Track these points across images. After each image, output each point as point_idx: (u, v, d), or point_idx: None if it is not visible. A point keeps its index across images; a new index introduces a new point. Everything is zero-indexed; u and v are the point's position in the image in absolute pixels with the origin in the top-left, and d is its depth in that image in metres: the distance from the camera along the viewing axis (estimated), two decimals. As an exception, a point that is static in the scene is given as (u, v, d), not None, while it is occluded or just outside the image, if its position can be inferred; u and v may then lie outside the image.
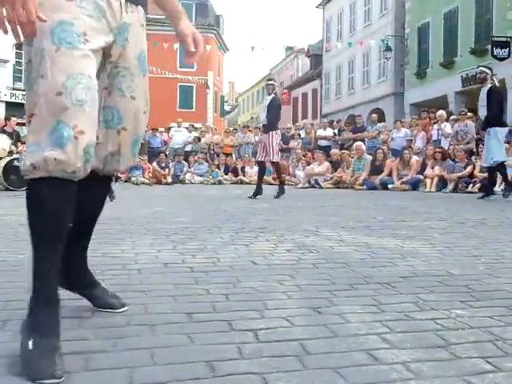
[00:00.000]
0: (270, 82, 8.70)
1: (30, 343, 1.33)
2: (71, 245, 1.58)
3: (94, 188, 1.67)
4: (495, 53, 16.80)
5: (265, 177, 9.60)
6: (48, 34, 1.36)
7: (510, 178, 8.84)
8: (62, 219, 1.42)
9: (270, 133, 8.30)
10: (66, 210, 1.43)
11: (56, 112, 1.35)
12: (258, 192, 8.25)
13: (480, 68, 8.25)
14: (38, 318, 1.37)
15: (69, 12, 1.39)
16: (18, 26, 1.24)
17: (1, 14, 1.23)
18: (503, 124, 8.05)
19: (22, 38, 1.28)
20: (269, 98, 8.45)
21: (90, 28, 1.42)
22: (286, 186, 8.90)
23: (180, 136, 16.77)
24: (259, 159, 8.65)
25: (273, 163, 8.81)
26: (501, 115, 8.15)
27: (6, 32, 1.27)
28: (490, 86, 7.86)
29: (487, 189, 8.36)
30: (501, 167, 8.14)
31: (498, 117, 7.87)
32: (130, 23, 1.55)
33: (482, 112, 8.07)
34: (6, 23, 1.24)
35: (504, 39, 16.87)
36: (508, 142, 10.83)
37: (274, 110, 8.38)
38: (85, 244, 1.80)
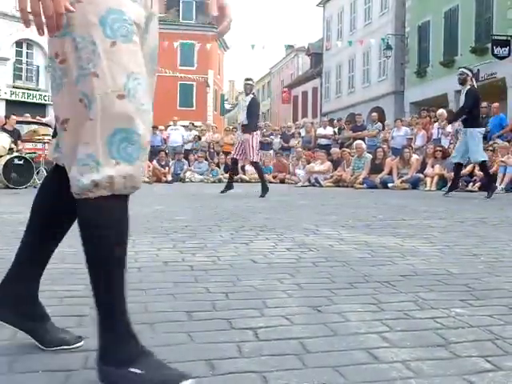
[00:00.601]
0: (249, 82, 8.61)
1: (134, 370, 1.17)
2: (27, 271, 1.46)
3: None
4: (495, 51, 16.80)
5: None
6: (97, 25, 1.16)
7: (507, 180, 9.15)
8: (126, 237, 1.25)
9: (251, 133, 8.30)
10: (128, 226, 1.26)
11: (118, 118, 1.17)
12: (229, 187, 8.56)
13: (461, 69, 8.31)
14: (125, 350, 1.20)
15: None
16: (43, 20, 1.09)
17: (25, 6, 1.09)
18: (479, 125, 8.24)
19: (45, 33, 1.13)
20: (247, 99, 8.38)
21: (137, 15, 1.24)
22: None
23: (177, 134, 16.75)
24: (233, 156, 8.70)
25: (252, 163, 8.93)
26: (478, 116, 8.31)
27: (28, 26, 1.14)
28: (468, 87, 7.96)
29: (485, 187, 8.45)
30: (482, 166, 8.29)
31: (475, 117, 8.02)
32: (155, 14, 1.37)
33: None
34: (30, 16, 1.10)
35: (504, 38, 16.87)
36: (508, 141, 10.85)
37: (253, 110, 8.38)
38: (43, 268, 1.49)
